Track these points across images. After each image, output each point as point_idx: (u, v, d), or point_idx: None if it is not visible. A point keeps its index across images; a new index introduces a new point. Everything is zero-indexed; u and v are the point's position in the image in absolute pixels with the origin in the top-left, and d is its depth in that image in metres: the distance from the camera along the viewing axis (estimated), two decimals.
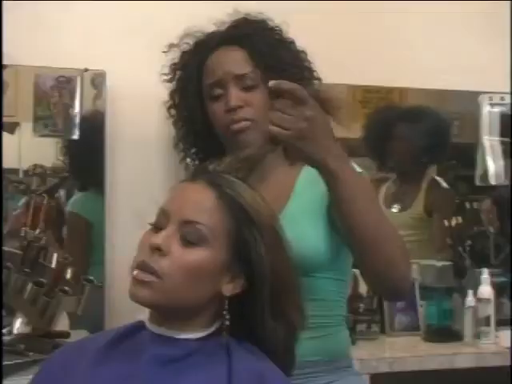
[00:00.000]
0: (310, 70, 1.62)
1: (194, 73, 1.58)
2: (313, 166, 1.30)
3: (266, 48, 1.54)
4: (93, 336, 1.31)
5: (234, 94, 1.51)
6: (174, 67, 1.64)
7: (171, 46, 1.65)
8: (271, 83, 1.26)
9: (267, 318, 1.15)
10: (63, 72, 2.38)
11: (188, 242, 1.11)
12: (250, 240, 1.13)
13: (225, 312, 1.15)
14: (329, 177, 1.30)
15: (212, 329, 1.16)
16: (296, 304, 1.19)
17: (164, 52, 1.65)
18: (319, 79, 1.63)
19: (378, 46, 2.68)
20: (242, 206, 1.14)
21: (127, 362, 1.13)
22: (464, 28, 2.80)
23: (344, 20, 2.63)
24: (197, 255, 1.11)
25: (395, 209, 2.83)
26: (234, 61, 1.54)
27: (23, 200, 2.47)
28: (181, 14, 2.36)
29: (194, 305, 1.14)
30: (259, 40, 1.55)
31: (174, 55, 1.65)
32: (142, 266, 1.11)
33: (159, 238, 1.11)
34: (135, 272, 1.11)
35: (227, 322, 1.15)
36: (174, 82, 1.64)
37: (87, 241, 2.47)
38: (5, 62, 2.22)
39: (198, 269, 1.11)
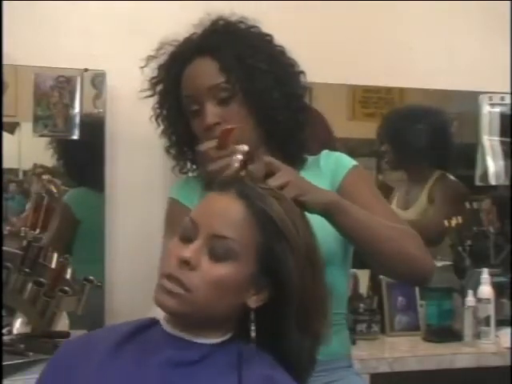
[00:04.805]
0: (291, 66, 1.59)
1: (171, 87, 1.58)
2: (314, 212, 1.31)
3: (235, 60, 1.52)
4: (102, 330, 1.29)
5: (209, 110, 1.50)
6: (154, 81, 1.64)
7: (149, 58, 1.65)
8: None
9: (294, 330, 1.15)
10: (63, 72, 2.38)
11: (217, 257, 1.11)
12: (280, 254, 1.12)
13: (251, 323, 1.15)
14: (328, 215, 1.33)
15: (228, 336, 1.16)
16: (322, 316, 1.19)
17: (141, 67, 1.65)
18: (301, 72, 1.61)
19: (378, 46, 2.68)
20: (272, 219, 1.12)
21: (140, 362, 1.13)
22: (464, 28, 2.80)
23: (344, 20, 2.63)
24: (225, 270, 1.10)
25: (404, 211, 2.85)
26: (206, 73, 1.53)
27: (23, 200, 2.48)
28: (181, 14, 2.36)
29: (219, 316, 1.14)
30: (228, 51, 1.53)
31: (156, 65, 1.65)
32: (170, 277, 1.11)
33: (189, 252, 1.10)
34: (163, 281, 1.11)
35: (253, 333, 1.15)
36: (156, 96, 1.64)
37: (72, 234, 2.48)
38: (5, 61, 2.22)
39: (225, 283, 1.11)
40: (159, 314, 1.17)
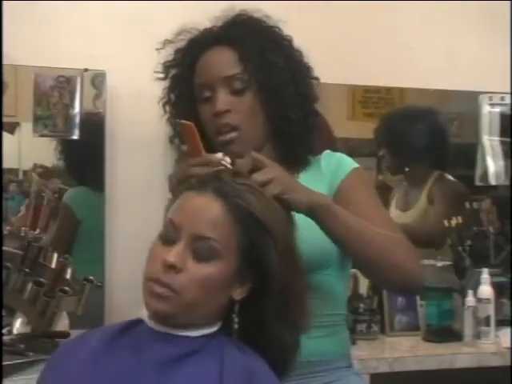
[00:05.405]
0: (307, 69, 1.60)
1: (186, 72, 1.57)
2: (300, 212, 1.30)
3: (255, 52, 1.52)
4: (93, 331, 1.30)
5: (221, 97, 1.50)
6: (168, 65, 1.63)
7: (166, 42, 1.64)
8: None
9: (274, 322, 1.17)
10: (63, 72, 2.38)
11: (201, 257, 1.12)
12: (262, 246, 1.14)
13: (234, 315, 1.16)
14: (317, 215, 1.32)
15: (215, 327, 1.17)
16: (303, 308, 1.20)
17: (157, 49, 1.64)
18: (316, 78, 1.62)
19: (378, 46, 2.68)
20: (250, 213, 1.14)
21: (128, 359, 1.14)
22: (464, 28, 2.80)
23: (344, 20, 2.63)
24: (210, 269, 1.12)
25: (404, 212, 2.85)
26: (223, 62, 1.52)
27: (23, 200, 2.48)
28: (181, 14, 2.36)
29: (207, 312, 1.16)
30: (249, 43, 1.53)
31: (169, 52, 1.64)
32: (157, 281, 1.12)
33: (173, 256, 1.11)
34: (151, 285, 1.12)
35: (236, 326, 1.16)
36: (168, 80, 1.63)
37: (73, 234, 2.48)
38: (5, 61, 2.22)
39: (212, 282, 1.12)
40: (144, 314, 1.19)
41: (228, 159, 1.29)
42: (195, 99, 1.55)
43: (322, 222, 1.32)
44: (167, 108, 1.63)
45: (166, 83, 1.63)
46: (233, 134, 1.50)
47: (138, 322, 1.20)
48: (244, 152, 1.43)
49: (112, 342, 1.18)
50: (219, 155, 1.30)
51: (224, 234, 1.12)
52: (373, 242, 1.38)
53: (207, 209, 1.14)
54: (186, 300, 1.11)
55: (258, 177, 1.23)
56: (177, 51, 1.61)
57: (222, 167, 1.26)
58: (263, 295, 1.15)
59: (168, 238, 1.14)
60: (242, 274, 1.15)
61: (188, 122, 1.30)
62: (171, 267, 1.11)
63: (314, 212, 1.30)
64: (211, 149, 1.46)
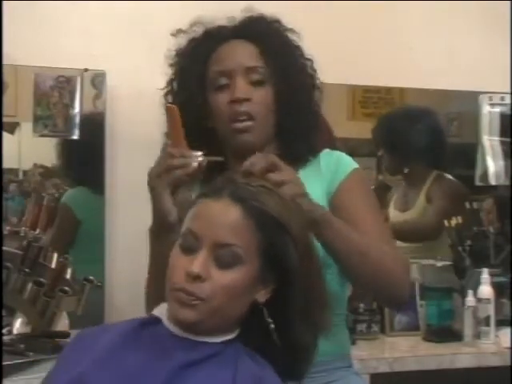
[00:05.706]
0: (313, 79, 1.62)
1: (200, 60, 1.56)
2: None
3: (278, 48, 1.55)
4: (107, 326, 1.30)
5: (242, 85, 1.51)
6: (179, 52, 1.62)
7: (179, 31, 1.63)
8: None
9: (295, 322, 1.17)
10: (63, 72, 2.38)
11: (224, 264, 1.12)
12: (282, 246, 1.14)
13: (268, 319, 1.16)
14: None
15: (233, 334, 1.17)
16: (323, 306, 1.20)
17: (172, 35, 1.63)
18: (320, 88, 1.63)
19: (378, 46, 2.68)
20: (269, 215, 1.14)
21: (142, 360, 1.13)
22: (464, 28, 2.80)
23: (345, 20, 2.63)
24: (235, 275, 1.12)
25: (403, 212, 2.86)
26: (246, 53, 1.54)
27: (23, 200, 2.48)
28: (181, 14, 2.36)
29: (234, 317, 1.16)
30: (272, 39, 1.56)
31: (172, 49, 1.63)
32: (182, 290, 1.12)
33: (197, 266, 1.11)
34: (177, 294, 1.12)
35: (272, 326, 1.16)
36: (176, 68, 1.62)
37: (73, 234, 2.48)
38: (5, 61, 2.22)
39: (237, 287, 1.13)
40: (163, 316, 1.18)
41: (205, 160, 1.33)
42: (203, 89, 1.55)
43: (323, 236, 1.34)
44: (168, 98, 1.62)
45: (169, 75, 1.62)
46: (249, 123, 1.50)
47: (156, 320, 1.19)
48: (254, 143, 1.44)
49: (126, 341, 1.17)
50: (198, 153, 1.33)
51: (245, 239, 1.12)
52: (374, 258, 1.40)
53: (226, 215, 1.13)
54: (213, 306, 1.11)
55: (275, 177, 1.23)
56: (191, 40, 1.61)
57: (200, 160, 1.31)
58: (285, 296, 1.15)
59: (188, 247, 1.14)
60: (265, 275, 1.15)
61: (172, 105, 1.32)
62: (196, 278, 1.11)
63: (315, 226, 1.31)
64: (212, 141, 1.49)
